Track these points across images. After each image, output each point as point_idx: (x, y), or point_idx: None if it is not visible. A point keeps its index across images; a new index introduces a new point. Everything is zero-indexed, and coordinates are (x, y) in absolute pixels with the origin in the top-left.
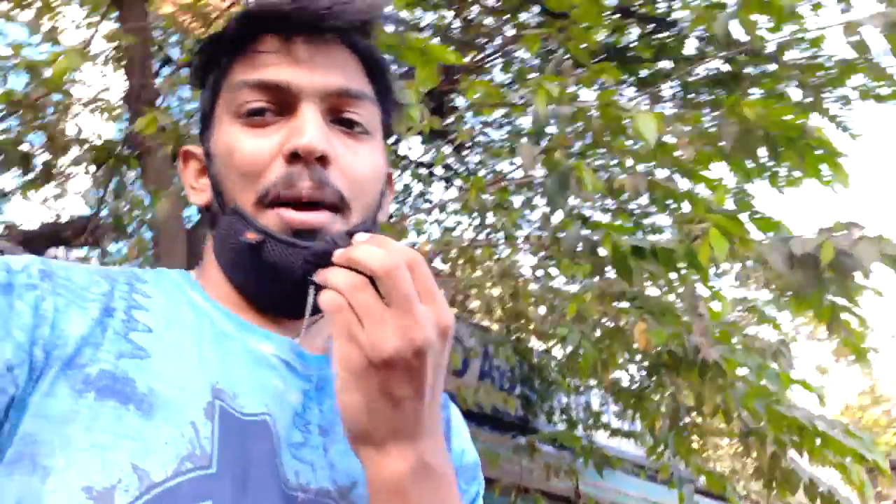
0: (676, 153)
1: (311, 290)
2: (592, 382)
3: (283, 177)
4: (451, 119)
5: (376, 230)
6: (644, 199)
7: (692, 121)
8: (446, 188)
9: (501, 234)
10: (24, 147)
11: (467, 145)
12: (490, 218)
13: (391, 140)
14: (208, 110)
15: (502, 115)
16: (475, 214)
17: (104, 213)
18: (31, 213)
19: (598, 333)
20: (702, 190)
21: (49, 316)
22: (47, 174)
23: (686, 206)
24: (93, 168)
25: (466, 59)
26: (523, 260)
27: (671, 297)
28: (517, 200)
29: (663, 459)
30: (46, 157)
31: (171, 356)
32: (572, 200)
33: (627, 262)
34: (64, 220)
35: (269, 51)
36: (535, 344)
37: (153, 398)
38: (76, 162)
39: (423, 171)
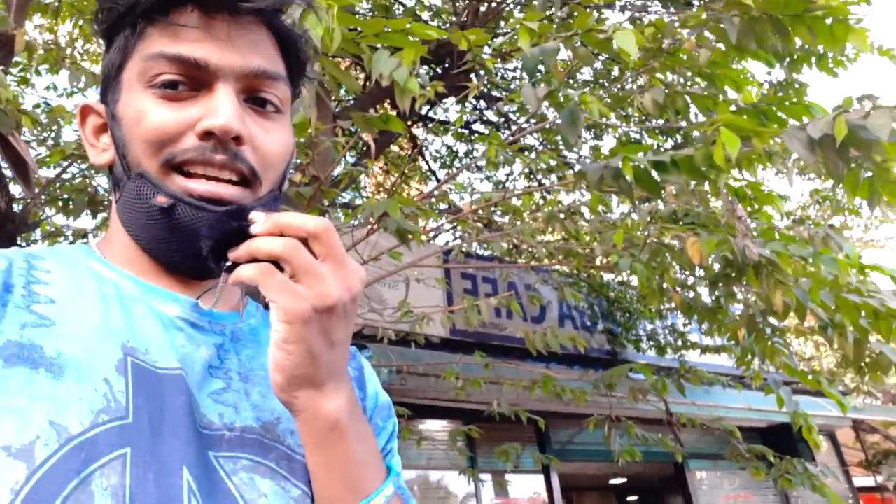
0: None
1: (225, 269)
2: (672, 305)
3: (195, 147)
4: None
5: (282, 200)
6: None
7: (694, 20)
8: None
9: (545, 179)
10: (91, 191)
11: (499, 97)
12: (519, 166)
13: (425, 110)
14: (115, 70)
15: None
16: (505, 167)
17: None
18: None
19: (646, 256)
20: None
21: None
22: None
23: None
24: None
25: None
26: (569, 199)
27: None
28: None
29: (753, 367)
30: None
31: (77, 322)
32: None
33: (650, 178)
34: None
35: (190, 25)
36: (611, 278)
37: (62, 360)
38: None
39: (465, 131)
